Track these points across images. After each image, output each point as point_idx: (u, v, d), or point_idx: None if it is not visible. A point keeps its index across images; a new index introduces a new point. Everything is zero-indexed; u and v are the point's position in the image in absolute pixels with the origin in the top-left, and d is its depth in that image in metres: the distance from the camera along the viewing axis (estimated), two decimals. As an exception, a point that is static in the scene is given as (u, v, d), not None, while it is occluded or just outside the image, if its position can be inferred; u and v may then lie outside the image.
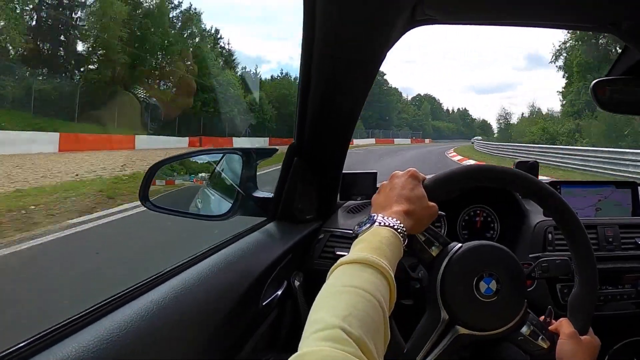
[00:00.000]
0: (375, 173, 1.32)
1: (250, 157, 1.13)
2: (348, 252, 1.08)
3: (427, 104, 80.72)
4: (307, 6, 0.72)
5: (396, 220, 0.67)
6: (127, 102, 20.13)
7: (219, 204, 1.21)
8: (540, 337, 0.75)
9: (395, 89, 71.85)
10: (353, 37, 0.81)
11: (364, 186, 1.31)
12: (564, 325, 0.75)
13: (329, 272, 0.60)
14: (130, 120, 19.68)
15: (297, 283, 1.00)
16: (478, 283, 0.72)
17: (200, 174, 1.36)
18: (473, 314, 0.73)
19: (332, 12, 0.74)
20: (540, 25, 0.86)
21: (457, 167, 0.79)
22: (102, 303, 0.59)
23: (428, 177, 0.77)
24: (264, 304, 0.86)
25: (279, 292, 0.93)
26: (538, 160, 1.33)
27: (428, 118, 77.27)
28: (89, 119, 17.16)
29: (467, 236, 1.27)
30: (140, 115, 21.19)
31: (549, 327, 0.77)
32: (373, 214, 0.70)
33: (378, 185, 1.34)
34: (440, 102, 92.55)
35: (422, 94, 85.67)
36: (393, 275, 0.60)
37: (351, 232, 1.13)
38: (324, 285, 0.57)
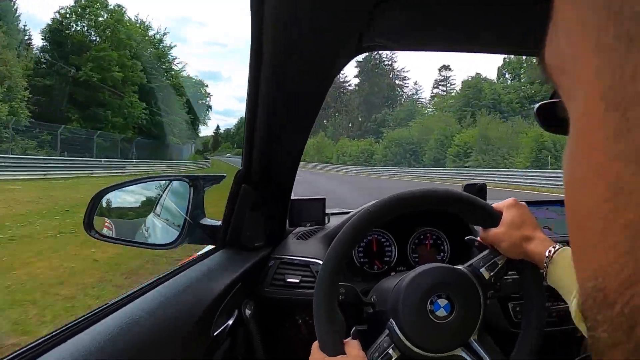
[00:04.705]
0: (324, 199, 1.33)
1: (198, 184, 1.12)
2: (298, 279, 1.08)
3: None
4: (254, 40, 0.73)
5: None
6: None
7: (166, 232, 1.18)
8: (498, 267, 0.78)
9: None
10: (300, 70, 0.82)
11: (313, 212, 1.31)
12: (482, 234, 0.80)
13: None
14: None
15: (248, 312, 0.98)
16: (432, 307, 0.74)
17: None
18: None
19: (279, 47, 0.74)
20: (490, 51, 0.88)
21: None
22: (44, 338, 0.56)
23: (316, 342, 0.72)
24: (214, 334, 0.84)
25: (230, 322, 0.92)
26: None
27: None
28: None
29: (417, 259, 1.26)
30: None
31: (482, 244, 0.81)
32: None
33: (327, 211, 1.35)
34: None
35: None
36: None
37: (301, 258, 1.13)
38: None
